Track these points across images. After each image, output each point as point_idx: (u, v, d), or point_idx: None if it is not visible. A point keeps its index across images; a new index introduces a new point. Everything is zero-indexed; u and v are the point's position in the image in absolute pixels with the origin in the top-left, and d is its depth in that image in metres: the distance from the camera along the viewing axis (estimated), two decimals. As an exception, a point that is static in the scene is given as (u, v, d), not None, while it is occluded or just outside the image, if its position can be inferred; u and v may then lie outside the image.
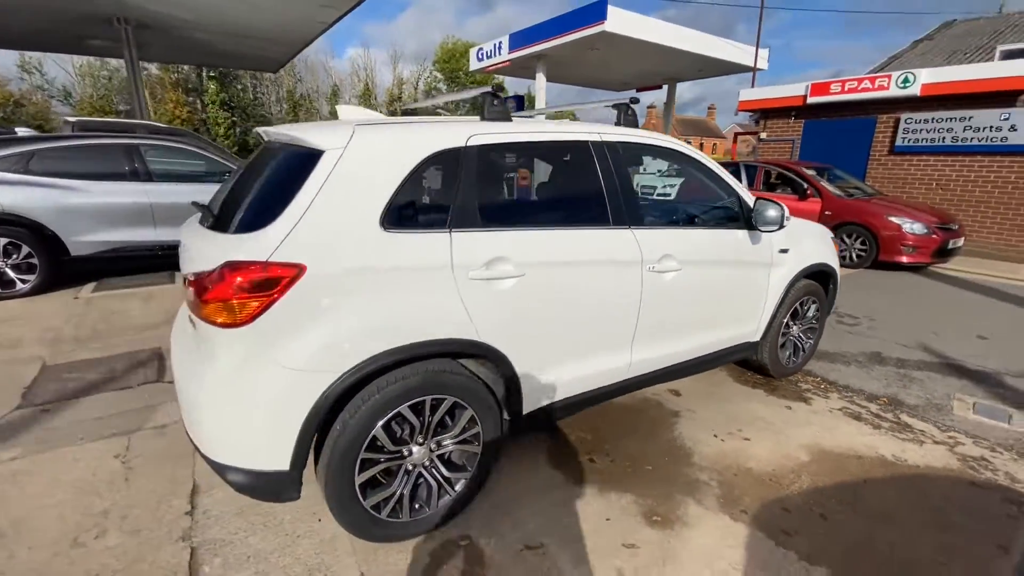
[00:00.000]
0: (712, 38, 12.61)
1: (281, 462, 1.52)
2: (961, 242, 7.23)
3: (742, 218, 2.73)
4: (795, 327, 3.26)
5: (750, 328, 2.93)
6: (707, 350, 2.71)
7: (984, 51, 12.27)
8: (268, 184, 1.75)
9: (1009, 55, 9.02)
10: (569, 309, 2.05)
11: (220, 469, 1.55)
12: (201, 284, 1.49)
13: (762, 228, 2.63)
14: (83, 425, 2.57)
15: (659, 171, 7.66)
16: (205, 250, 1.60)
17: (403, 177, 1.68)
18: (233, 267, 1.44)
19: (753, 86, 12.55)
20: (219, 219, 1.73)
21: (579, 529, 1.94)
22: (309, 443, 1.54)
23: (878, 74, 9.04)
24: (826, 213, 7.31)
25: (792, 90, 10.22)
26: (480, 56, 16.00)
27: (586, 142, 2.18)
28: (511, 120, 2.03)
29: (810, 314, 3.33)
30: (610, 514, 2.02)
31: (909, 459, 2.47)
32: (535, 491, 2.15)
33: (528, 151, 2.04)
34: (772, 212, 2.54)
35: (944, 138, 8.51)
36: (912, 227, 6.80)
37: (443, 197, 1.79)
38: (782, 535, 1.93)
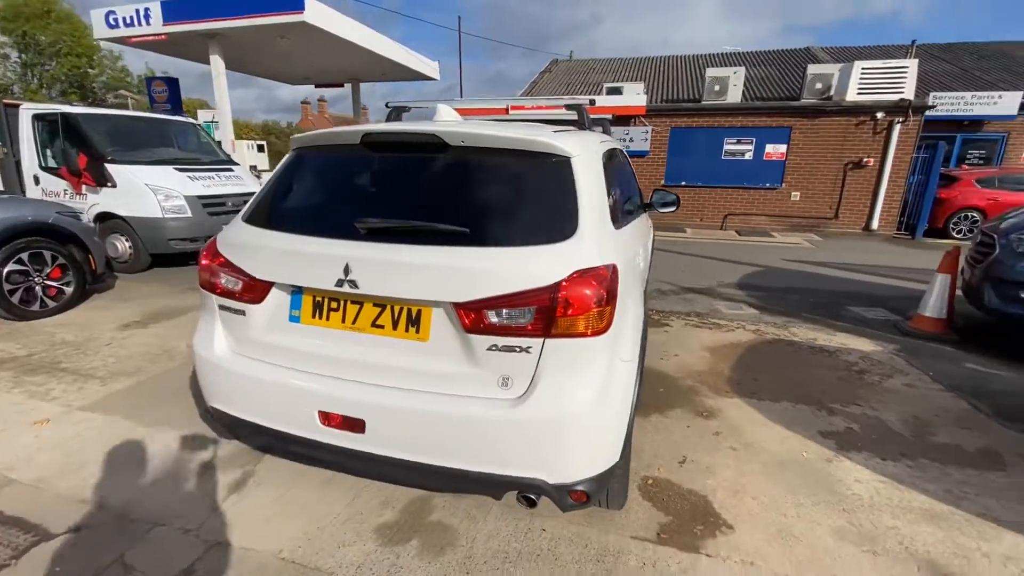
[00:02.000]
0: (400, 47, 13.61)
1: (615, 456, 1.58)
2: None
3: (642, 203, 3.80)
4: (644, 279, 4.67)
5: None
6: (642, 301, 3.71)
7: (585, 84, 17.88)
8: (523, 190, 1.60)
9: (611, 91, 13.65)
10: (634, 284, 2.61)
11: (567, 490, 1.47)
12: (544, 300, 1.37)
13: (662, 210, 3.76)
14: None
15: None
16: (504, 267, 1.41)
17: (603, 179, 1.88)
18: (586, 275, 1.41)
19: (461, 96, 14.43)
20: (473, 233, 1.49)
21: (687, 439, 2.59)
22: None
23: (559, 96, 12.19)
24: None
25: (499, 104, 12.45)
26: (113, 22, 12.13)
27: (613, 149, 2.72)
28: (590, 130, 2.38)
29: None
30: (687, 423, 2.76)
31: (741, 340, 4.16)
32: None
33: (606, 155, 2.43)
34: (672, 197, 3.70)
35: (596, 145, 12.38)
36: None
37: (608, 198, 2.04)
38: (753, 394, 3.12)
